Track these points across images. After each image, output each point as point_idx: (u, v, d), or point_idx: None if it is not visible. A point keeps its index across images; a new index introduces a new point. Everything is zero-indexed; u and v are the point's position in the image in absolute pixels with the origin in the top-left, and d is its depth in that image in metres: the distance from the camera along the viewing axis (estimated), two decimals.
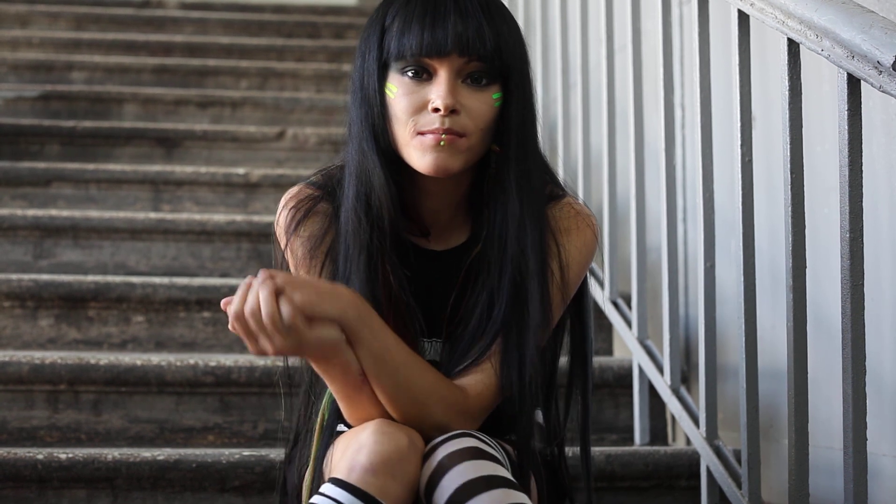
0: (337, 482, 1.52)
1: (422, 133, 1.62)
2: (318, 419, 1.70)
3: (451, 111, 1.61)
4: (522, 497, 1.51)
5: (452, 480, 1.51)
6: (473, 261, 1.70)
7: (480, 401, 1.64)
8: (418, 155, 1.63)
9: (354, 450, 1.53)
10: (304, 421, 1.76)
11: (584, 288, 1.78)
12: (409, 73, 1.63)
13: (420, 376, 1.59)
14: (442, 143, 1.61)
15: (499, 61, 1.63)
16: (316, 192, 1.73)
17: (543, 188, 1.70)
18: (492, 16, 1.64)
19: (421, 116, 1.63)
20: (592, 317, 1.83)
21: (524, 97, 1.67)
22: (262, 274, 1.48)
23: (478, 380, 1.63)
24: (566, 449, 1.83)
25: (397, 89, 1.64)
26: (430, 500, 1.53)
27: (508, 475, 1.54)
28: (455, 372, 1.65)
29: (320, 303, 1.51)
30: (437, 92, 1.62)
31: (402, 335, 1.64)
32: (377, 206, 1.66)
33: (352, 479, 1.51)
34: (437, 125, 1.61)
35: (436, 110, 1.61)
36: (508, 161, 1.66)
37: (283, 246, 1.73)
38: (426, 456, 1.56)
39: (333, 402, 1.67)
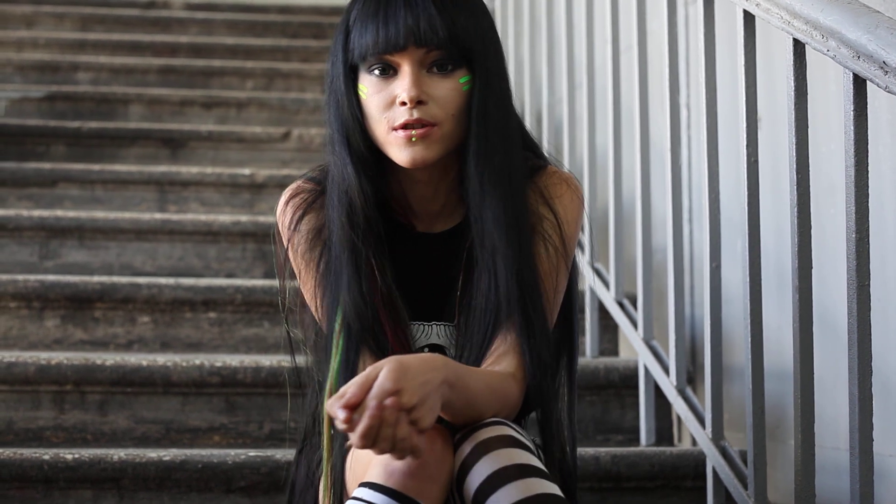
0: (374, 486, 1.51)
1: (395, 129, 1.66)
2: (325, 419, 1.70)
3: (419, 102, 1.65)
4: (554, 488, 1.52)
5: (485, 467, 1.52)
6: (472, 243, 1.72)
7: (522, 385, 1.65)
8: (396, 150, 1.67)
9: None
10: (312, 421, 1.76)
11: (572, 271, 1.79)
12: (376, 72, 1.68)
13: (482, 387, 1.59)
14: (413, 138, 1.65)
15: (456, 48, 1.67)
16: (314, 187, 1.77)
17: (511, 165, 1.71)
18: (444, 4, 1.67)
19: (392, 111, 1.67)
20: (577, 306, 1.84)
21: (486, 79, 1.69)
22: (391, 402, 1.43)
23: (515, 364, 1.65)
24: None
25: (367, 88, 1.68)
26: (461, 486, 1.54)
27: (541, 465, 1.54)
28: (485, 358, 1.67)
29: (432, 411, 1.48)
30: (402, 85, 1.66)
31: (394, 323, 1.67)
32: (354, 206, 1.69)
33: (390, 483, 1.51)
34: (406, 117, 1.65)
35: (403, 103, 1.65)
36: (468, 142, 1.69)
37: (284, 242, 1.76)
38: (458, 443, 1.56)
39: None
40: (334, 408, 1.43)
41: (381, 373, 1.45)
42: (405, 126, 1.65)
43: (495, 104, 1.70)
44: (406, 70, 1.66)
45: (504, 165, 1.70)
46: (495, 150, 1.69)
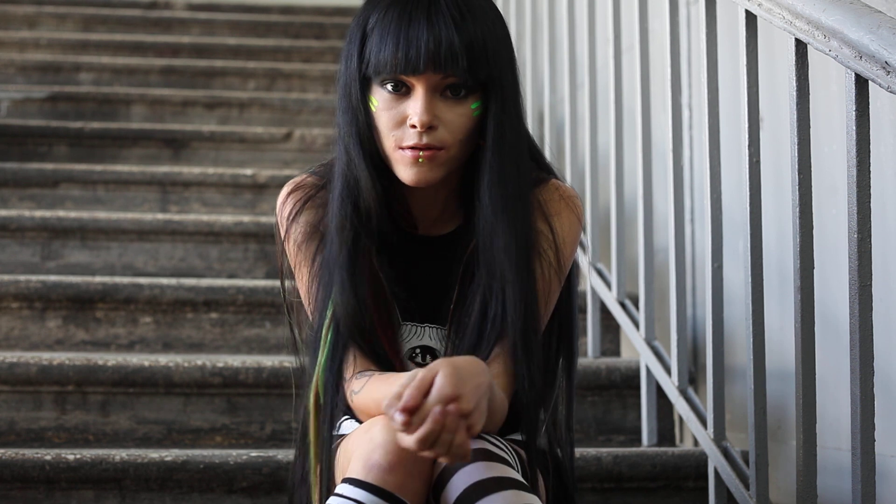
0: (354, 482, 1.52)
1: (402, 148, 1.65)
2: (312, 414, 1.70)
3: (429, 127, 1.63)
4: (534, 499, 1.52)
5: (462, 480, 1.52)
6: (471, 253, 1.71)
7: (508, 399, 1.65)
8: (401, 168, 1.66)
9: (368, 449, 1.53)
10: (304, 417, 1.77)
11: (571, 275, 1.79)
12: (389, 87, 1.65)
13: (500, 395, 1.60)
14: (420, 159, 1.64)
15: (473, 77, 1.64)
16: (317, 182, 1.76)
17: (522, 189, 1.70)
18: (466, 27, 1.63)
19: (401, 131, 1.65)
20: (577, 308, 1.83)
21: (502, 103, 1.67)
22: (453, 407, 1.43)
23: (506, 384, 1.65)
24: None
25: (378, 103, 1.66)
26: (438, 497, 1.54)
27: (519, 477, 1.54)
28: None
29: (483, 415, 1.48)
30: (414, 108, 1.64)
31: (385, 324, 1.68)
32: (364, 208, 1.68)
33: (370, 479, 1.51)
34: (415, 140, 1.64)
35: (413, 126, 1.64)
36: (482, 166, 1.68)
37: (282, 233, 1.76)
38: None
39: (326, 399, 1.67)
40: (391, 410, 1.42)
41: (439, 377, 1.44)
42: (413, 147, 1.64)
43: (510, 130, 1.68)
44: (420, 93, 1.63)
45: (516, 192, 1.69)
46: (509, 178, 1.68)
